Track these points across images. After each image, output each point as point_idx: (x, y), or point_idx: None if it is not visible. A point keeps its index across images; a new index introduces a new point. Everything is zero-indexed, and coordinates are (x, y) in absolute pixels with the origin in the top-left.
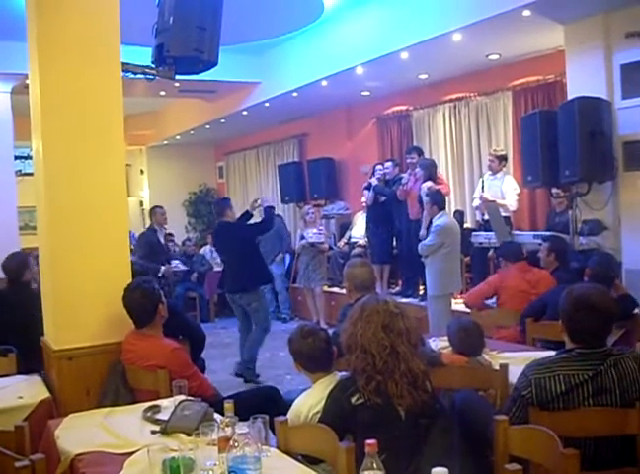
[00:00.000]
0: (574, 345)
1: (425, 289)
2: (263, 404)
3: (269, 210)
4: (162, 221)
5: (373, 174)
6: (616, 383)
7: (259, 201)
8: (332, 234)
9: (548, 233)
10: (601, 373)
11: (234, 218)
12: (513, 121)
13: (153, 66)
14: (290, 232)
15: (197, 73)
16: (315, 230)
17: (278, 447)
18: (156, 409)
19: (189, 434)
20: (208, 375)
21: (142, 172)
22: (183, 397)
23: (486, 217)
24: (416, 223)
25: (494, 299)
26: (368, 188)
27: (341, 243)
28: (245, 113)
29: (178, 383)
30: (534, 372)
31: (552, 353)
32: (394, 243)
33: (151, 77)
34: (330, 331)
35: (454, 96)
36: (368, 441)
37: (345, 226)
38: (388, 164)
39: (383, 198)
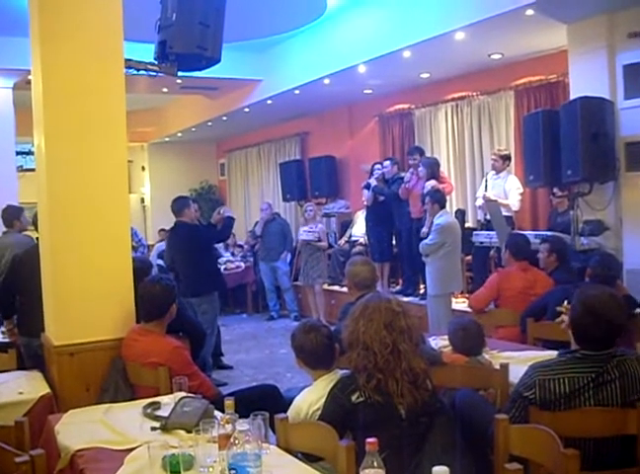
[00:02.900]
0: (579, 346)
1: (425, 288)
2: (262, 402)
3: (229, 220)
4: None
5: (372, 174)
6: (618, 384)
7: (222, 211)
8: (333, 232)
9: (548, 233)
10: (604, 375)
11: (192, 218)
12: (515, 121)
13: (156, 63)
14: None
15: (199, 70)
16: (307, 228)
17: (277, 445)
18: (156, 405)
19: (189, 431)
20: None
21: (144, 168)
22: (183, 394)
23: (488, 217)
24: (417, 222)
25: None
26: (367, 187)
27: (342, 241)
28: (247, 110)
29: (178, 380)
30: (538, 374)
31: (553, 352)
32: (394, 242)
33: (154, 73)
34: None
35: (456, 95)
36: (369, 440)
37: (346, 224)
38: (387, 163)
39: (382, 198)
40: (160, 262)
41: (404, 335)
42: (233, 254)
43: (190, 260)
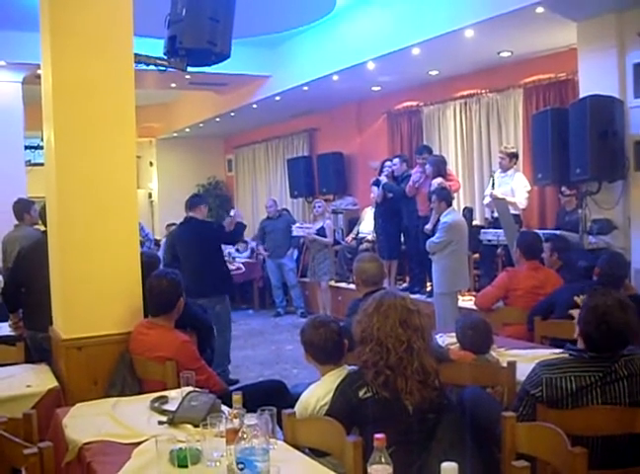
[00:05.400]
0: (587, 348)
1: (432, 286)
2: (269, 397)
3: (240, 227)
4: None
5: (382, 171)
6: (626, 383)
7: (232, 213)
8: (340, 229)
9: (552, 232)
10: (612, 373)
11: (204, 217)
12: (523, 119)
13: (165, 58)
14: None
15: (209, 65)
16: (298, 224)
17: (284, 440)
18: (164, 400)
19: (196, 425)
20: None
21: (151, 164)
22: (190, 388)
23: (496, 215)
24: (424, 220)
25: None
26: (377, 184)
27: (349, 238)
28: (255, 106)
29: (185, 374)
30: (545, 371)
31: (560, 351)
32: (402, 239)
33: (163, 68)
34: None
35: (465, 92)
36: (377, 435)
37: (353, 221)
38: (396, 160)
39: (390, 195)
40: None
41: (418, 333)
42: (238, 250)
43: (202, 257)
